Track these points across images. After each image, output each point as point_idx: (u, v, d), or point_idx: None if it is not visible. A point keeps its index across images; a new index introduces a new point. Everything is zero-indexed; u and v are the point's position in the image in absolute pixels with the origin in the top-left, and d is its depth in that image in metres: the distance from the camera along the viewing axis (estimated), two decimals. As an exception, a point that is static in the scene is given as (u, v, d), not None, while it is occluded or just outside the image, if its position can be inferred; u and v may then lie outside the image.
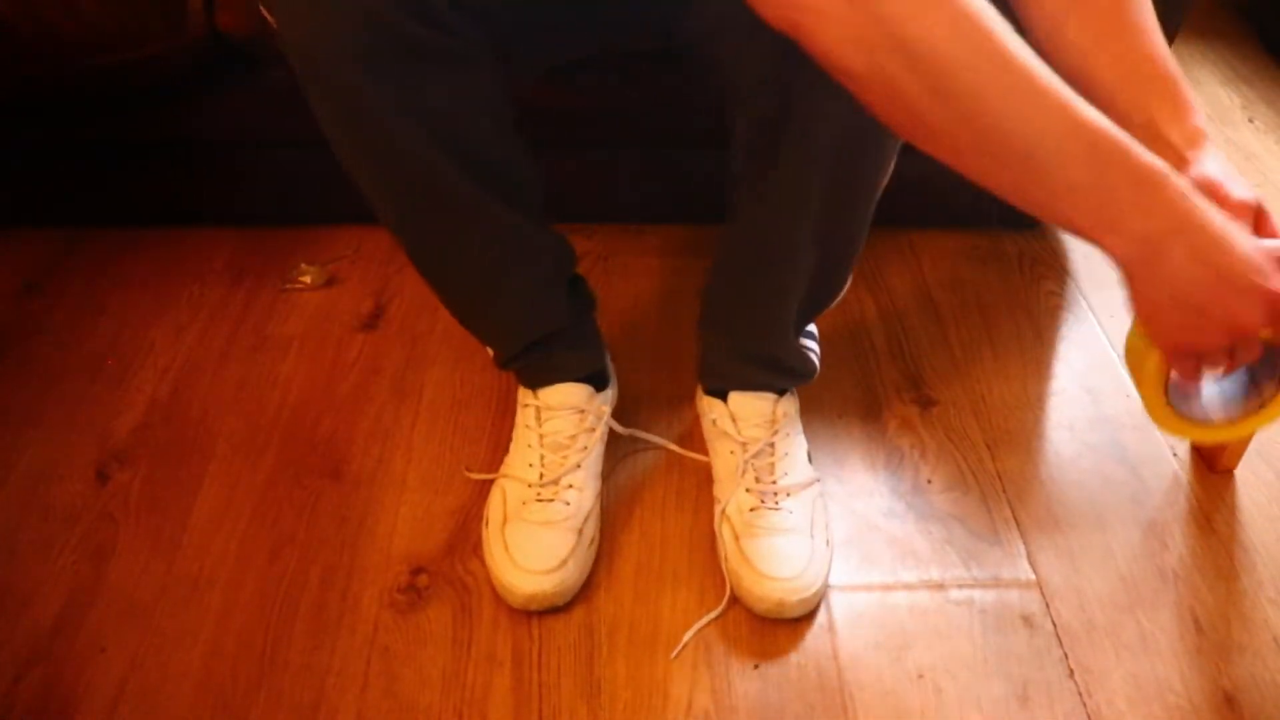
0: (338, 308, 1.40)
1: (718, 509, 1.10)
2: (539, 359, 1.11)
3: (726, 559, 1.07)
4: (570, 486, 1.08)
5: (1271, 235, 0.75)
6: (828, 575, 1.07)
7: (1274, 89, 1.95)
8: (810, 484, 1.11)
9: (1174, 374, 0.80)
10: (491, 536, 1.07)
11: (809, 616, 1.04)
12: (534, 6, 0.98)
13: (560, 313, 1.09)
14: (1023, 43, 0.67)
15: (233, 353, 1.33)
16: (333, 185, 1.48)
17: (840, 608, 1.05)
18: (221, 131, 1.40)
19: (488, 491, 1.14)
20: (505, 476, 1.11)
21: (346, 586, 1.07)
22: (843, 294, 1.10)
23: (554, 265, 1.07)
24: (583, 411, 1.12)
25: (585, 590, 1.06)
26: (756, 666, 1.01)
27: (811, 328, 1.16)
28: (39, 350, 1.34)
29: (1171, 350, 0.76)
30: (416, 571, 1.08)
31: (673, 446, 1.20)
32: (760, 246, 1.01)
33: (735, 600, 1.06)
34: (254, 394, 1.28)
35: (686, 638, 1.02)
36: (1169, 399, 0.82)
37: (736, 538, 1.06)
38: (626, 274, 1.46)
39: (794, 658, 1.01)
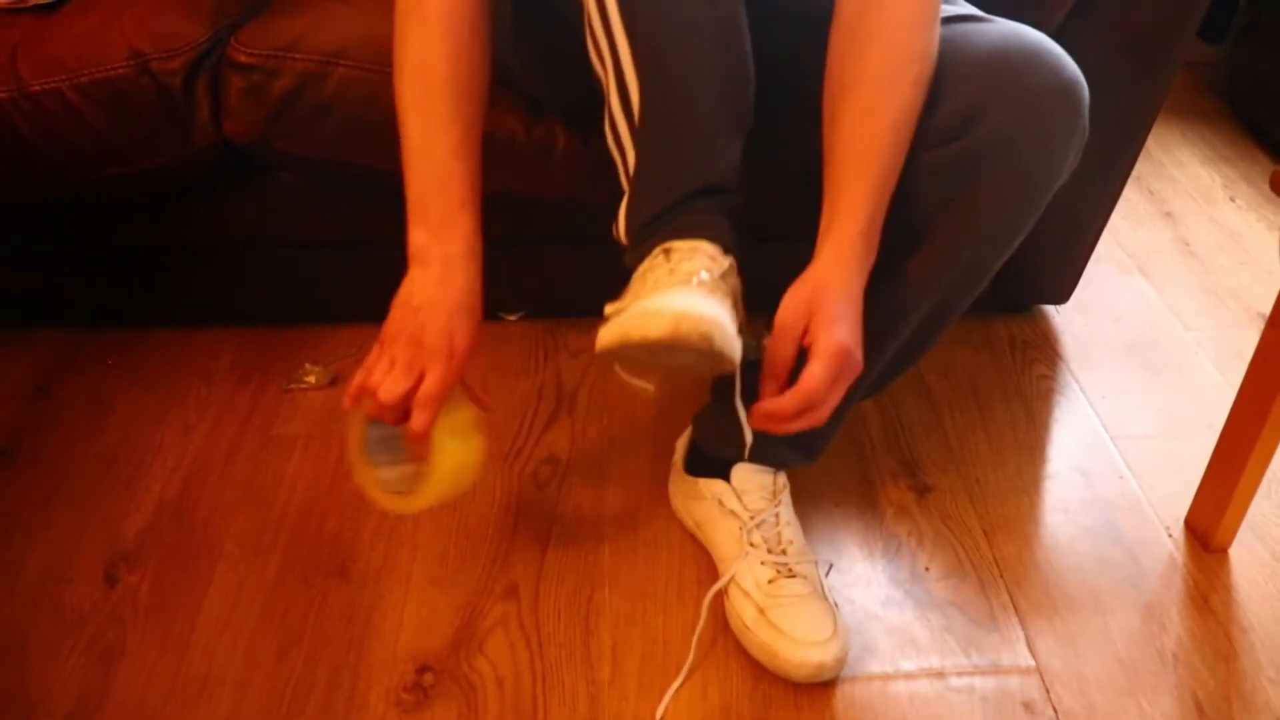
0: (342, 407, 1.42)
1: (723, 583, 1.12)
2: (688, 209, 1.08)
3: (750, 632, 1.08)
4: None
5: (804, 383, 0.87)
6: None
7: (1254, 168, 2.00)
8: (813, 561, 1.13)
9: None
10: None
11: (812, 706, 1.05)
12: None
13: (731, 171, 1.00)
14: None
15: (239, 452, 1.36)
16: (336, 285, 1.52)
17: (841, 699, 1.06)
18: (228, 234, 1.44)
19: (495, 589, 1.17)
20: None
21: (353, 686, 1.08)
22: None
23: (745, 126, 0.99)
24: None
25: (589, 686, 1.07)
26: (761, 760, 1.01)
27: None
28: (49, 450, 1.36)
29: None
30: (422, 670, 1.09)
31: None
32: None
33: (764, 674, 1.07)
34: (261, 493, 1.30)
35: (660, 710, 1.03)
36: (368, 451, 1.00)
37: (762, 611, 1.08)
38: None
39: (798, 750, 1.02)
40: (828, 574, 1.17)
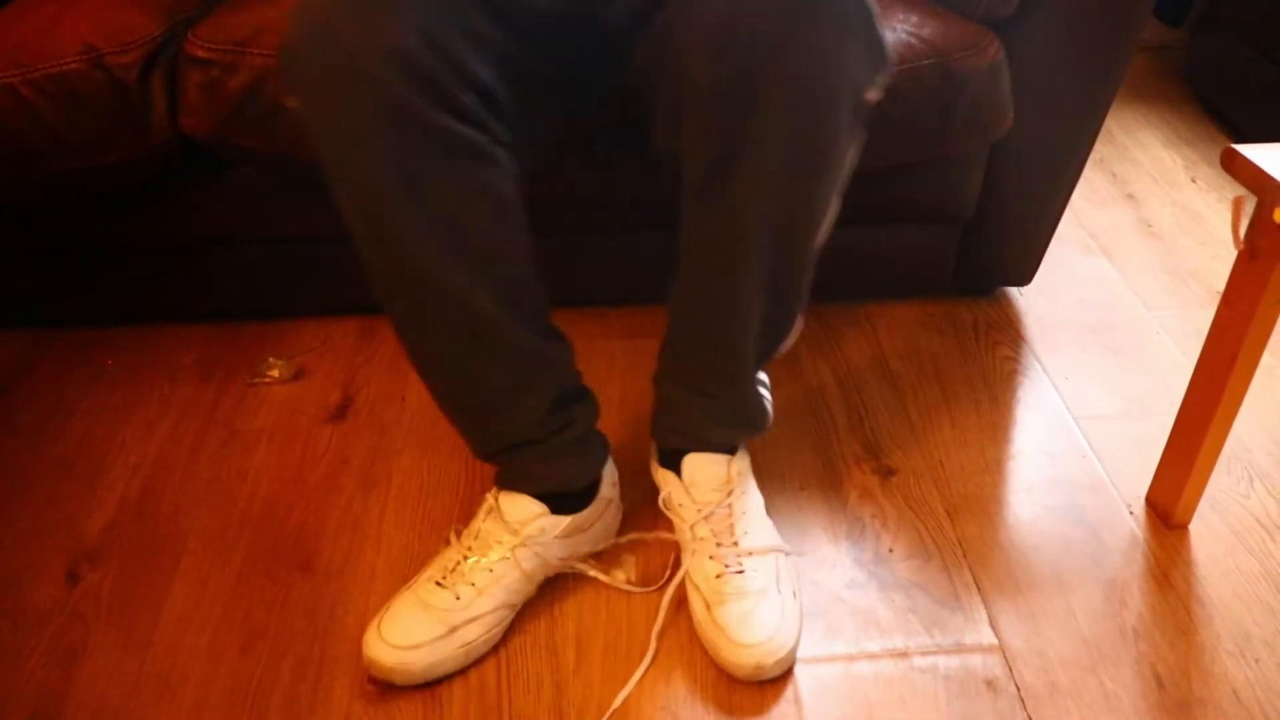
0: (306, 400, 1.42)
1: (678, 578, 1.12)
2: (508, 463, 1.12)
3: (700, 626, 1.08)
4: (471, 585, 1.08)
5: None
6: (800, 629, 1.09)
7: (1214, 150, 2.01)
8: (772, 551, 1.13)
9: None
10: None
11: (776, 688, 1.06)
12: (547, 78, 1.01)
13: (534, 424, 1.07)
14: None
15: (203, 448, 1.35)
16: (299, 279, 1.51)
17: (806, 680, 1.07)
18: (188, 230, 1.43)
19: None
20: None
21: (318, 678, 1.08)
22: (794, 337, 1.12)
23: (549, 379, 1.08)
24: (515, 533, 1.10)
25: (554, 674, 1.07)
26: (725, 743, 1.02)
27: (763, 376, 1.18)
28: (9, 452, 1.35)
29: None
30: (387, 661, 1.09)
31: (603, 577, 1.17)
32: (709, 296, 1.03)
33: (713, 665, 1.08)
34: (224, 489, 1.29)
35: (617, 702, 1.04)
36: None
37: (708, 606, 1.08)
38: (589, 358, 1.48)
39: (762, 732, 1.03)
40: (788, 557, 1.18)
